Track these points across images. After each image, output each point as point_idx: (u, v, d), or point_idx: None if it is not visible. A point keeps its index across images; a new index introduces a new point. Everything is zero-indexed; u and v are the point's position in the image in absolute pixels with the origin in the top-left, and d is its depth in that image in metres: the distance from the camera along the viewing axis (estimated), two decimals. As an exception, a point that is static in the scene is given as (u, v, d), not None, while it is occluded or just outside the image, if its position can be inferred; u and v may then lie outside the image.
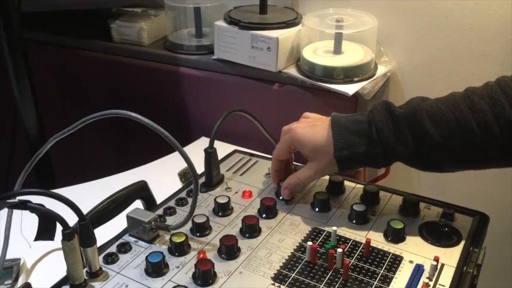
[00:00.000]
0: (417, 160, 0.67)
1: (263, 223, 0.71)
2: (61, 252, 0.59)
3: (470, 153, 0.64)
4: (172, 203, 0.76)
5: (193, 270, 0.62)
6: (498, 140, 0.63)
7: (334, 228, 0.67)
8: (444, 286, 0.60)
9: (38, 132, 1.09)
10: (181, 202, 0.76)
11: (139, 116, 0.60)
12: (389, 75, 1.16)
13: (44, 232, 0.58)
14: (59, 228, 0.58)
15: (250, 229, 0.69)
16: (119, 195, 0.71)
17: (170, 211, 0.74)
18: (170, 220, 0.72)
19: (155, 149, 1.01)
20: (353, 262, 0.64)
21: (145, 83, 1.31)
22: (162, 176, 0.87)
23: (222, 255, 0.65)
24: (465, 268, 0.63)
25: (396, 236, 0.68)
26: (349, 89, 1.04)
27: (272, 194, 0.78)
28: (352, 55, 1.11)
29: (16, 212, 0.67)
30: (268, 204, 0.73)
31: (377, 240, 0.68)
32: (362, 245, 0.67)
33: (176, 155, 0.64)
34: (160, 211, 0.74)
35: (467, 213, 0.73)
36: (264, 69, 1.12)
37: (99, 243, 0.63)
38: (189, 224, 0.69)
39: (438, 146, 0.65)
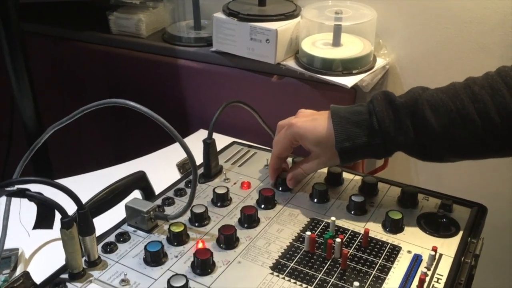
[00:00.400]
0: (417, 150, 0.67)
1: (261, 214, 0.71)
2: (59, 242, 0.59)
3: (471, 143, 0.64)
4: (170, 194, 0.76)
5: (191, 259, 0.62)
6: (498, 130, 0.63)
7: (333, 218, 0.67)
8: (442, 276, 0.60)
9: (36, 123, 1.08)
10: (179, 192, 0.76)
11: (137, 105, 0.60)
12: (388, 68, 1.16)
13: (43, 221, 0.58)
14: (58, 217, 0.58)
15: (249, 219, 0.69)
16: (118, 185, 0.71)
17: (169, 202, 0.73)
18: (169, 211, 0.72)
19: (153, 141, 1.01)
20: (351, 252, 0.64)
21: (143, 75, 1.31)
22: (161, 167, 0.87)
23: (221, 245, 0.65)
24: (463, 258, 0.63)
25: (394, 227, 0.68)
26: (348, 81, 1.04)
27: (270, 185, 0.78)
28: (351, 47, 1.11)
29: (15, 201, 0.67)
30: (267, 194, 0.73)
31: (376, 230, 0.68)
32: (361, 235, 0.67)
33: (174, 146, 0.64)
34: (158, 202, 0.74)
35: (465, 204, 0.73)
36: (263, 61, 1.11)
37: (98, 232, 0.63)
38: (188, 214, 0.69)
39: (438, 136, 0.65)
